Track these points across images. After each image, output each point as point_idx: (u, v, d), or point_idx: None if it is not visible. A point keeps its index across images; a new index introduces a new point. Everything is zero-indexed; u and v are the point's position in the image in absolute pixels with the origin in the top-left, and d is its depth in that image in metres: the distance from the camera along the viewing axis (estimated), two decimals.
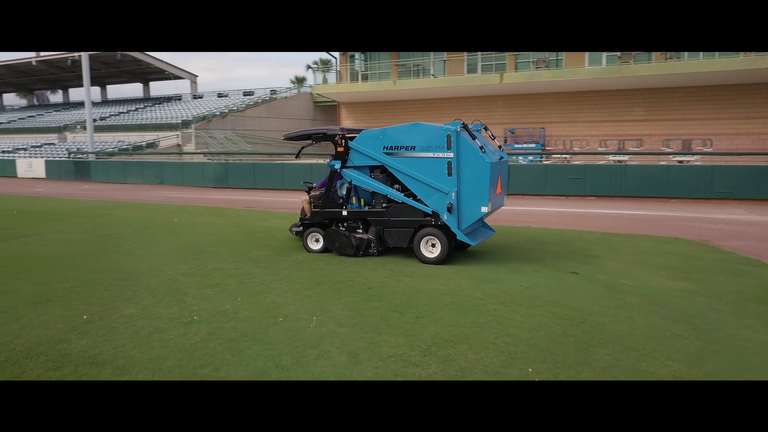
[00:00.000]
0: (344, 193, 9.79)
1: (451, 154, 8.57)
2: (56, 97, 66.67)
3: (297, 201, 17.59)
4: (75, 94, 60.06)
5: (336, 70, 35.52)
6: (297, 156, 11.60)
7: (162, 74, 49.39)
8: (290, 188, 22.41)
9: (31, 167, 31.68)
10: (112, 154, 32.41)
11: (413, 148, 8.92)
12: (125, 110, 47.04)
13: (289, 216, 14.49)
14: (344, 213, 9.73)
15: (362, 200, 9.81)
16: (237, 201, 19.41)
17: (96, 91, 57.34)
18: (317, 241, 10.03)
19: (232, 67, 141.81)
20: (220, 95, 46.34)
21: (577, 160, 24.05)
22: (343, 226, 9.80)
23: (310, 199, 10.22)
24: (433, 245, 8.97)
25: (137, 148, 33.92)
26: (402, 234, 9.28)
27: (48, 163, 31.10)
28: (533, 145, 28.48)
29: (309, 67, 37.86)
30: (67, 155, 33.02)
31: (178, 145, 34.93)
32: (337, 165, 9.70)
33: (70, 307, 6.72)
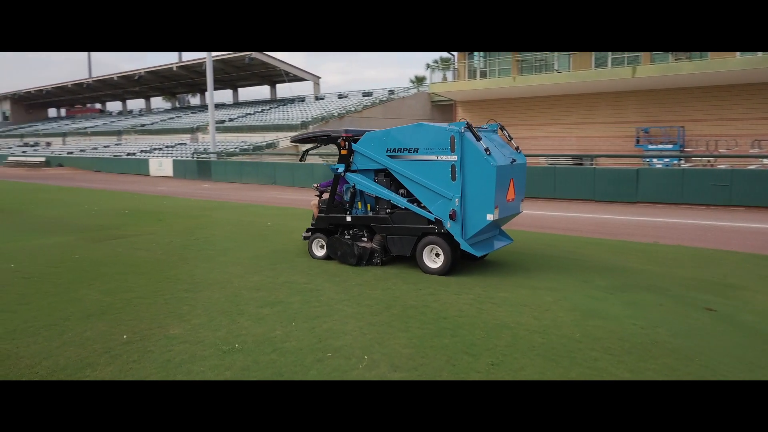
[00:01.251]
0: (349, 198, 9.36)
1: (455, 157, 7.99)
2: (195, 99, 71.62)
3: None
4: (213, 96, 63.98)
5: (453, 67, 34.31)
6: (301, 159, 11.37)
7: (287, 76, 51.01)
8: None
9: (161, 166, 33.73)
10: (231, 154, 33.64)
11: (416, 151, 8.40)
12: (251, 111, 49.08)
13: None
14: (348, 219, 9.27)
15: (368, 205, 9.29)
16: None
17: (228, 93, 60.72)
18: (322, 247, 9.56)
19: (362, 69, 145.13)
20: (340, 96, 46.85)
21: (723, 164, 20.94)
22: (349, 233, 9.32)
23: (319, 203, 9.76)
24: (437, 255, 8.37)
25: (257, 149, 34.95)
26: (405, 242, 8.75)
27: (175, 163, 32.92)
28: (670, 146, 25.43)
29: (429, 66, 36.88)
30: (191, 155, 34.80)
31: (296, 145, 35.54)
32: (341, 168, 9.27)
33: (118, 323, 6.28)
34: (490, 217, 7.92)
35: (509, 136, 9.16)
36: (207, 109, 57.60)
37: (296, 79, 51.96)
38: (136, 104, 73.25)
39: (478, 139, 7.94)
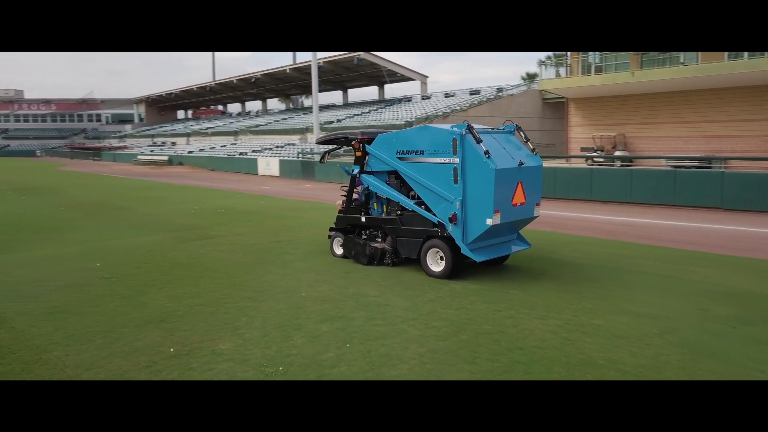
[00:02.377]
0: (363, 199, 9.56)
1: (457, 160, 7.92)
2: (309, 101, 73.75)
3: None
4: (323, 98, 65.49)
5: (566, 63, 32.36)
6: (321, 160, 11.63)
7: (395, 76, 50.91)
8: None
9: (269, 165, 34.70)
10: (336, 154, 33.86)
11: (422, 153, 8.42)
12: (359, 112, 49.50)
13: None
14: (363, 220, 9.44)
15: (384, 207, 9.38)
16: None
17: (338, 95, 61.86)
18: (341, 246, 9.74)
19: (477, 68, 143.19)
20: (447, 95, 45.94)
21: None
22: (365, 234, 9.45)
23: (342, 203, 9.99)
24: (441, 258, 8.30)
25: None
26: (412, 244, 8.74)
27: (282, 162, 33.71)
28: None
29: (542, 62, 35.11)
30: (296, 155, 35.49)
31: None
32: (356, 170, 9.51)
33: (172, 333, 6.02)
34: (489, 222, 7.74)
35: (525, 137, 8.84)
36: (321, 110, 59.05)
37: (404, 79, 51.72)
38: (253, 106, 76.78)
39: (479, 141, 7.80)
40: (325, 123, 47.50)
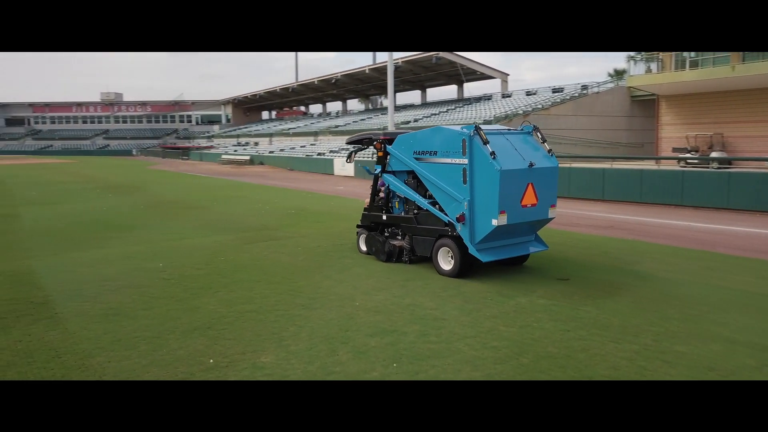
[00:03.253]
0: (384, 197, 9.93)
1: (466, 161, 8.08)
2: (387, 101, 73.81)
3: (580, 214, 14.83)
4: (401, 98, 65.36)
5: (658, 58, 30.34)
6: (348, 159, 12.10)
7: (474, 75, 49.92)
8: (577, 196, 19.35)
9: (344, 166, 34.75)
10: None
11: (435, 153, 8.64)
12: (437, 111, 48.91)
13: (566, 234, 11.96)
14: (384, 218, 9.73)
15: (405, 205, 9.65)
16: None
17: (416, 94, 61.51)
18: (364, 242, 10.11)
19: (561, 66, 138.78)
20: (528, 93, 44.46)
21: None
22: (388, 232, 9.74)
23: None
24: (452, 257, 8.42)
25: None
26: (426, 243, 8.96)
27: (356, 162, 33.66)
28: None
29: (630, 57, 33.03)
30: (371, 156, 35.34)
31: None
32: (378, 169, 9.86)
33: (216, 341, 5.82)
34: (495, 222, 7.80)
35: (543, 138, 8.79)
36: (399, 110, 58.95)
37: (483, 77, 50.58)
38: (334, 107, 77.82)
39: (486, 142, 7.87)
40: (402, 123, 47.23)
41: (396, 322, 6.35)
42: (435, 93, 71.10)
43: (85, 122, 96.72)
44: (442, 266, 8.55)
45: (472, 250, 8.09)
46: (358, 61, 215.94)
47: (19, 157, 75.14)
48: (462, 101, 51.36)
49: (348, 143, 11.13)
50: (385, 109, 62.81)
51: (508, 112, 36.91)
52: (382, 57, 62.62)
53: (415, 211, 9.23)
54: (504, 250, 8.37)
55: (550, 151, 8.66)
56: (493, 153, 7.75)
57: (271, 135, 66.30)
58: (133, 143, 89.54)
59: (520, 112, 36.47)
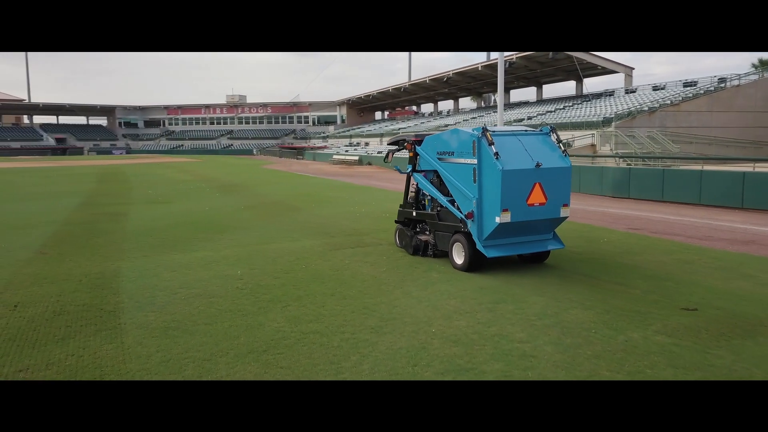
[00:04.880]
0: (414, 195, 10.63)
1: (475, 161, 8.53)
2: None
3: (714, 225, 12.92)
4: (516, 94, 63.14)
5: None
6: (385, 159, 12.41)
7: (594, 70, 46.81)
8: (710, 204, 17.00)
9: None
10: None
11: (452, 154, 9.18)
12: (553, 109, 46.46)
13: (695, 250, 10.31)
14: (414, 214, 10.39)
15: (432, 203, 10.13)
16: (626, 217, 15.47)
17: (531, 91, 58.97)
18: (398, 237, 10.88)
19: (695, 59, 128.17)
20: (655, 88, 40.83)
21: None
22: (418, 227, 10.34)
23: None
24: (463, 252, 8.87)
25: None
26: (446, 238, 9.46)
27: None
28: None
29: None
30: None
31: (593, 145, 31.82)
32: (410, 168, 10.48)
33: (267, 369, 5.29)
34: (498, 220, 8.21)
35: (558, 139, 9.11)
36: (513, 107, 56.85)
37: (605, 71, 47.27)
38: (445, 105, 76.80)
39: (491, 143, 8.26)
40: (515, 120, 45.35)
41: (475, 358, 5.41)
42: (552, 89, 67.92)
43: (212, 123, 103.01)
44: (456, 260, 9.08)
45: (478, 246, 8.57)
46: (474, 58, 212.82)
47: (154, 156, 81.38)
48: (580, 98, 48.43)
49: (388, 144, 11.73)
50: (495, 107, 60.90)
51: (631, 109, 34.06)
52: (496, 53, 60.85)
53: (438, 208, 9.80)
54: (512, 247, 8.78)
55: (564, 152, 9.03)
56: (497, 154, 8.19)
57: (381, 135, 66.55)
58: (254, 143, 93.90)
59: (645, 108, 33.53)
